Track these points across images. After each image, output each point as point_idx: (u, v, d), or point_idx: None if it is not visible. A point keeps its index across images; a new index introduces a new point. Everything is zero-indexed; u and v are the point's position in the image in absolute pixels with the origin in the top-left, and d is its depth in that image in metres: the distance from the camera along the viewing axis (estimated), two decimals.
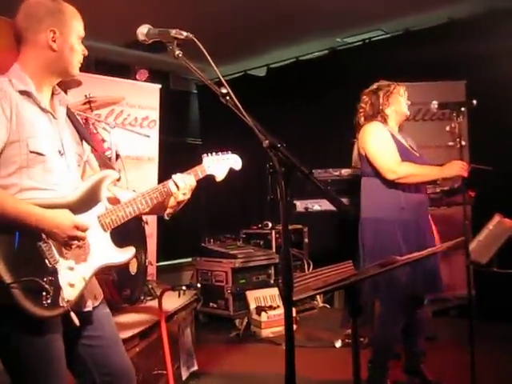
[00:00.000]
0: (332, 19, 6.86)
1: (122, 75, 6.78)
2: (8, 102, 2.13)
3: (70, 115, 2.44)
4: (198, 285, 6.25)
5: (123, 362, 2.42)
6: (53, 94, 2.37)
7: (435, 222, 4.15)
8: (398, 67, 6.59)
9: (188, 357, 4.49)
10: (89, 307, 2.30)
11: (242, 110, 1.91)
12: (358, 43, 7.75)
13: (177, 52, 2.10)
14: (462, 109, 3.87)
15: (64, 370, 2.21)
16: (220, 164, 2.65)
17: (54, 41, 2.25)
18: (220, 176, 2.64)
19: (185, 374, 4.36)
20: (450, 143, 3.92)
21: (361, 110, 3.96)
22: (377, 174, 3.78)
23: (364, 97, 3.98)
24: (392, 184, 3.74)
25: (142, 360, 3.71)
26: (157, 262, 6.64)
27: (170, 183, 2.46)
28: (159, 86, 6.97)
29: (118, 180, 2.48)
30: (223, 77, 1.96)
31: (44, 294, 2.04)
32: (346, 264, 2.36)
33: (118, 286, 4.26)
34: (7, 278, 1.99)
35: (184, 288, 4.11)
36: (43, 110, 2.26)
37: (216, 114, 5.20)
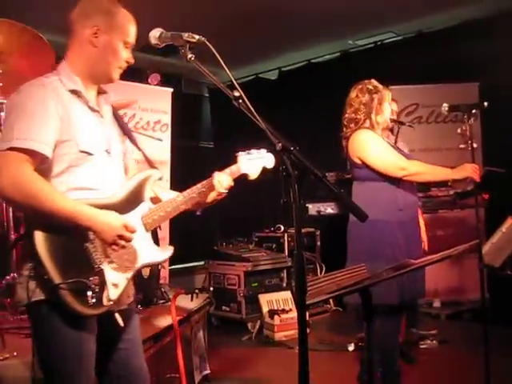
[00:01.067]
0: (343, 22, 6.86)
1: (134, 79, 6.79)
2: (60, 102, 2.17)
3: (115, 114, 2.50)
4: (211, 288, 6.26)
5: (142, 365, 2.46)
6: (98, 92, 2.41)
7: (447, 224, 4.14)
8: (410, 69, 6.59)
9: (200, 360, 4.49)
10: (124, 305, 2.35)
11: (254, 113, 1.90)
12: (369, 45, 7.74)
13: (189, 55, 2.10)
14: (474, 111, 3.84)
15: (92, 370, 2.25)
16: (254, 163, 2.64)
17: (96, 37, 2.27)
18: (253, 175, 2.64)
19: (197, 378, 4.35)
20: (462, 146, 3.90)
21: (352, 109, 3.86)
22: (372, 177, 3.72)
23: (358, 94, 3.88)
24: (387, 187, 3.70)
25: (155, 363, 3.71)
26: (169, 265, 6.64)
27: (214, 182, 2.48)
28: (171, 89, 6.98)
29: (161, 179, 2.51)
30: (235, 80, 1.96)
31: (90, 293, 2.11)
32: (359, 267, 2.35)
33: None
34: (56, 278, 2.05)
35: (197, 291, 4.11)
36: (91, 108, 2.30)
37: (228, 118, 5.21)
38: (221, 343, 5.75)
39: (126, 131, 2.53)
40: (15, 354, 2.88)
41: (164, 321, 4.15)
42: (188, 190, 2.46)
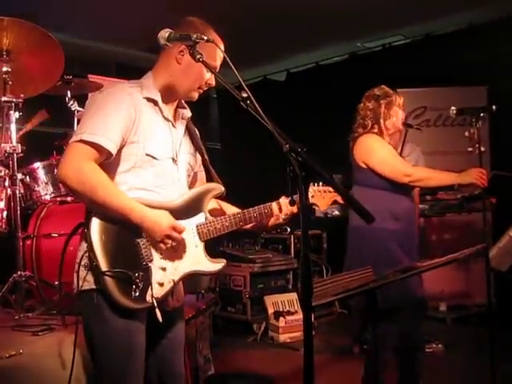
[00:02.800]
0: (352, 24, 6.86)
1: None
2: (134, 106, 2.29)
3: (190, 128, 2.60)
4: (216, 289, 6.26)
5: (180, 367, 2.59)
6: (177, 107, 2.52)
7: (454, 227, 4.12)
8: (419, 72, 6.59)
9: (205, 361, 4.49)
10: (169, 307, 2.41)
11: (262, 114, 1.91)
12: (378, 48, 7.73)
13: (197, 56, 2.12)
14: (481, 114, 3.83)
15: (141, 363, 2.33)
16: (325, 195, 2.70)
17: (182, 55, 2.36)
18: (323, 207, 2.71)
19: (202, 379, 4.35)
20: (470, 149, 3.89)
21: (360, 116, 3.86)
22: (372, 184, 3.71)
23: (366, 102, 3.88)
24: (386, 195, 3.69)
25: None
26: None
27: (273, 205, 2.56)
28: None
29: (223, 194, 2.57)
30: (243, 81, 1.97)
31: (134, 287, 2.21)
32: (366, 270, 2.35)
33: None
34: (103, 266, 2.18)
35: (202, 292, 4.12)
36: (165, 118, 2.41)
37: (235, 119, 5.21)
38: (226, 344, 5.74)
39: (197, 147, 2.63)
40: (21, 351, 2.89)
41: None
42: (249, 209, 2.54)
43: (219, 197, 2.58)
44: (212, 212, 2.53)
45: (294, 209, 2.56)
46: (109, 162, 2.26)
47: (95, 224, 2.20)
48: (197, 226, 2.41)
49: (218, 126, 9.89)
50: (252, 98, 1.95)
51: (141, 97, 2.34)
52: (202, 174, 2.70)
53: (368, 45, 7.81)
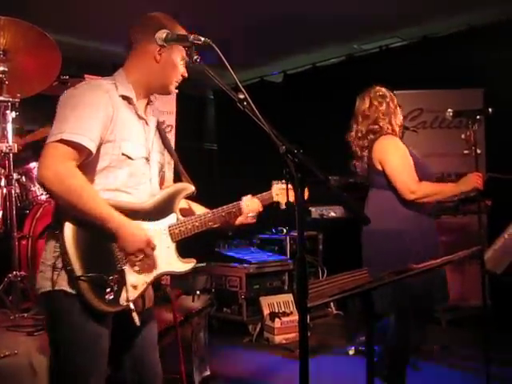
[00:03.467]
0: (349, 26, 6.86)
1: None
2: (111, 104, 2.26)
3: (159, 126, 2.59)
4: (212, 290, 6.26)
5: (157, 366, 2.55)
6: (147, 103, 2.51)
7: (450, 230, 4.12)
8: (415, 74, 6.59)
9: (200, 361, 4.49)
10: (140, 309, 2.39)
11: (258, 115, 1.91)
12: (374, 50, 7.74)
13: (195, 57, 2.13)
14: (478, 117, 3.84)
15: (104, 365, 2.30)
16: (288, 193, 2.71)
17: (160, 54, 2.37)
18: (286, 204, 2.69)
19: (197, 379, 4.35)
20: (466, 151, 3.90)
21: (370, 120, 3.85)
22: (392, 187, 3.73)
23: (374, 103, 3.88)
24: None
25: None
26: None
27: (242, 204, 2.60)
28: (176, 91, 6.98)
29: (193, 194, 2.57)
30: (240, 83, 1.97)
31: (108, 290, 2.18)
32: (362, 271, 2.35)
33: None
34: (77, 270, 2.15)
35: (198, 293, 4.12)
36: (139, 116, 2.40)
37: (232, 120, 5.21)
38: (221, 345, 5.74)
39: (166, 145, 2.63)
40: (16, 351, 2.89)
41: (165, 322, 4.15)
42: (218, 209, 2.55)
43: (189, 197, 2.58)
44: (181, 212, 2.52)
45: (261, 207, 2.65)
46: (86, 162, 2.22)
47: (68, 228, 2.17)
48: (169, 227, 2.41)
49: (214, 127, 9.88)
50: (249, 99, 1.95)
51: (116, 94, 2.32)
52: (169, 174, 2.70)
53: (365, 47, 7.81)
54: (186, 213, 2.56)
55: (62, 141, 2.12)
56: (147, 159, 2.41)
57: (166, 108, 6.83)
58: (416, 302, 3.62)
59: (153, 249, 2.28)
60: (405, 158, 3.71)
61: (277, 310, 6.23)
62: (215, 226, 2.57)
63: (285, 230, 7.18)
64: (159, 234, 2.37)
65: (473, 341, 4.48)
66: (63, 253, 2.15)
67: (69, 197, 2.11)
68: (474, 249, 3.03)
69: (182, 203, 2.56)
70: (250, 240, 7.46)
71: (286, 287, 6.72)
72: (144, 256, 2.26)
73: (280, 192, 2.74)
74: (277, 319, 6.01)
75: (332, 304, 6.93)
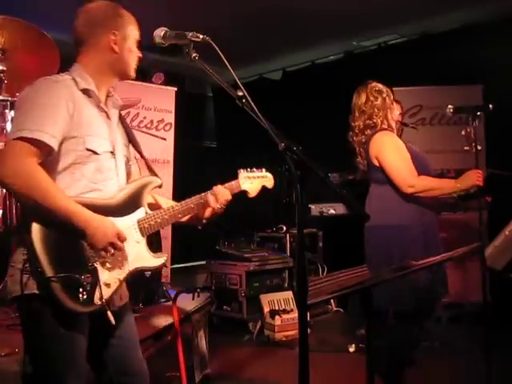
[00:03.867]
0: (347, 23, 6.86)
1: (138, 78, 6.79)
2: (72, 99, 2.22)
3: (121, 118, 2.54)
4: (212, 287, 6.26)
5: (140, 365, 2.50)
6: (107, 96, 2.45)
7: (450, 226, 4.12)
8: (414, 71, 6.59)
9: (201, 359, 4.49)
10: (115, 306, 2.35)
11: (257, 112, 1.91)
12: (373, 47, 7.73)
13: (193, 54, 2.12)
14: (478, 113, 3.84)
15: (83, 368, 2.27)
16: (254, 181, 2.75)
17: (115, 43, 2.35)
18: (253, 193, 2.75)
19: (198, 377, 4.35)
20: (466, 148, 3.89)
21: (367, 115, 3.86)
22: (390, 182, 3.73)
23: (370, 98, 3.88)
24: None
25: (156, 362, 3.71)
26: (171, 264, 6.64)
27: (208, 195, 2.56)
28: (175, 88, 6.98)
29: (160, 187, 2.54)
30: (239, 80, 1.97)
31: (81, 290, 2.13)
32: (361, 268, 2.35)
33: (133, 287, 4.26)
34: (48, 271, 2.08)
35: (198, 290, 4.12)
36: (101, 109, 2.35)
37: (231, 117, 5.21)
38: (221, 343, 5.74)
39: (130, 137, 2.58)
40: (17, 350, 2.89)
41: (165, 320, 4.16)
42: (186, 200, 2.52)
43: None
44: (148, 206, 2.47)
45: (228, 196, 2.61)
46: (49, 160, 2.17)
47: (36, 229, 2.10)
48: (138, 222, 2.37)
49: (213, 125, 9.87)
50: (248, 96, 1.95)
51: (76, 89, 2.27)
52: (135, 167, 2.62)
53: (364, 43, 7.81)
54: (153, 207, 2.50)
55: (22, 138, 2.07)
56: (112, 153, 2.37)
57: (166, 106, 6.82)
58: (420, 297, 3.62)
59: (123, 241, 2.23)
60: (401, 152, 3.72)
61: (277, 308, 6.24)
62: (185, 218, 2.53)
63: (284, 228, 7.18)
64: (128, 230, 2.32)
65: (473, 337, 4.47)
66: (32, 254, 2.09)
67: (32, 195, 2.06)
68: (475, 245, 3.04)
69: (148, 197, 2.51)
70: (250, 238, 7.45)
71: (286, 285, 6.72)
72: (115, 250, 2.21)
73: (246, 180, 2.71)
74: (277, 317, 6.01)
75: (332, 301, 6.93)
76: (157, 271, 4.85)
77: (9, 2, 4.12)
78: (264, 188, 2.77)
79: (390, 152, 3.71)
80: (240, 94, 1.96)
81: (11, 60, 3.84)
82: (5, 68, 3.82)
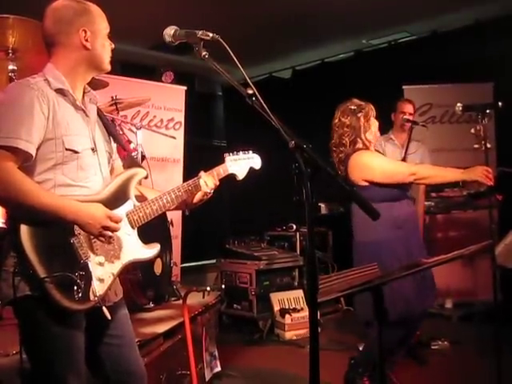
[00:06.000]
0: (357, 21, 6.85)
1: (148, 77, 6.82)
2: (46, 101, 2.20)
3: (100, 113, 2.52)
4: (222, 286, 6.26)
5: (137, 363, 2.50)
6: (84, 92, 2.43)
7: (460, 225, 4.11)
8: (424, 69, 6.57)
9: (211, 358, 4.50)
10: (110, 302, 2.35)
11: (267, 111, 1.91)
12: (383, 45, 7.72)
13: (203, 53, 2.11)
14: (488, 111, 3.82)
15: (82, 364, 2.27)
16: (241, 163, 2.75)
17: (87, 40, 2.32)
18: (241, 175, 2.74)
19: (208, 375, 4.36)
20: (476, 146, 3.88)
21: (337, 135, 3.87)
22: (373, 198, 3.71)
23: (341, 118, 3.88)
24: (387, 206, 3.68)
25: (166, 360, 3.72)
26: (181, 263, 6.66)
27: (199, 182, 2.54)
28: (185, 87, 7.00)
29: (146, 178, 2.54)
30: (249, 79, 1.97)
31: (75, 288, 2.13)
32: (371, 266, 2.34)
33: (143, 286, 4.28)
34: (41, 272, 2.08)
35: (208, 289, 4.13)
36: (77, 107, 2.33)
37: (241, 116, 5.21)
38: (231, 341, 5.75)
39: (110, 132, 2.56)
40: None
41: (175, 318, 4.16)
42: (174, 189, 2.50)
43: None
44: (135, 199, 2.45)
45: (217, 181, 2.60)
46: (30, 164, 2.16)
47: (24, 231, 2.09)
48: (127, 215, 2.37)
49: (223, 124, 9.89)
50: (258, 95, 1.95)
51: (50, 90, 2.24)
52: (117, 163, 2.60)
53: (373, 42, 7.80)
54: (140, 199, 2.48)
55: None
56: (93, 150, 2.35)
57: (175, 105, 6.84)
58: (404, 307, 3.62)
59: (117, 221, 2.24)
60: (386, 158, 3.77)
61: (287, 306, 6.24)
62: (173, 206, 2.52)
63: (294, 226, 7.18)
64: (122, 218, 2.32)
65: (483, 336, 4.46)
66: (22, 256, 2.08)
67: (16, 198, 2.06)
68: (485, 243, 3.02)
69: (135, 190, 2.50)
70: (260, 236, 7.45)
71: (296, 283, 6.70)
72: (112, 231, 2.21)
73: (233, 163, 2.70)
74: (287, 315, 6.01)
75: (342, 300, 6.92)
76: (167, 270, 4.86)
77: (19, 1, 4.13)
78: (252, 169, 2.76)
79: (376, 163, 3.74)
80: (250, 92, 1.96)
81: (22, 60, 3.86)
82: (15, 67, 3.83)
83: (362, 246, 3.79)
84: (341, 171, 3.86)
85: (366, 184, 3.74)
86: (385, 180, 3.69)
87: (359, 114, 3.80)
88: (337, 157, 3.87)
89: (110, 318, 2.22)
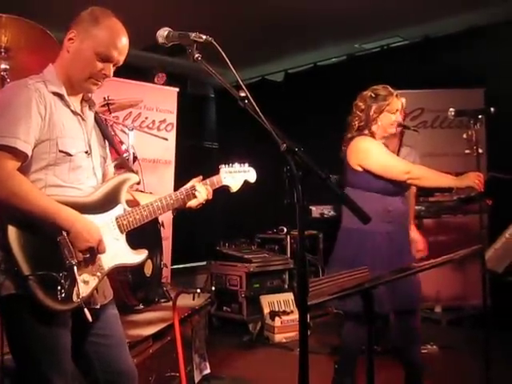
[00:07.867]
0: (350, 25, 6.87)
1: (141, 78, 6.81)
2: (43, 102, 2.21)
3: (98, 120, 2.52)
4: (213, 288, 6.26)
5: (127, 363, 2.48)
6: (83, 99, 2.43)
7: (450, 229, 4.12)
8: (416, 74, 6.60)
9: (201, 360, 4.49)
10: (97, 305, 2.35)
11: (260, 113, 1.91)
12: (376, 49, 7.74)
13: (196, 55, 2.11)
14: (480, 116, 3.84)
15: (68, 364, 2.28)
16: (236, 176, 2.73)
17: (72, 43, 2.30)
18: (235, 188, 2.72)
19: (197, 377, 4.36)
20: (467, 151, 3.89)
21: (356, 117, 3.84)
22: (365, 186, 3.71)
23: (360, 101, 3.83)
24: (379, 198, 3.68)
25: (155, 362, 3.72)
26: (171, 264, 6.65)
27: (192, 192, 2.54)
28: (177, 89, 7.00)
29: (138, 183, 2.56)
30: (241, 81, 1.97)
31: (59, 288, 2.13)
32: (362, 270, 2.35)
33: (133, 287, 4.28)
34: (25, 270, 2.09)
35: (198, 291, 4.12)
36: (73, 112, 2.33)
37: (233, 119, 5.23)
38: (221, 343, 5.75)
39: (107, 137, 2.57)
40: None
41: (165, 320, 4.16)
42: (166, 196, 2.50)
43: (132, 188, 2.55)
44: (127, 203, 2.45)
45: (211, 193, 2.58)
46: (24, 165, 2.17)
47: (11, 230, 2.10)
48: (116, 219, 2.36)
49: (215, 126, 9.89)
50: (250, 97, 1.95)
51: (47, 91, 2.25)
52: (111, 168, 2.62)
53: (366, 46, 7.82)
54: (132, 204, 2.48)
55: None
56: (87, 153, 2.35)
57: (168, 107, 6.84)
58: (401, 303, 3.62)
59: (102, 251, 2.24)
60: (387, 151, 3.74)
61: (277, 309, 6.24)
62: (164, 213, 2.52)
63: (285, 229, 7.18)
64: (107, 227, 2.32)
65: (472, 340, 4.47)
66: (8, 254, 2.09)
67: (12, 199, 2.07)
68: (475, 248, 3.03)
69: (127, 195, 2.49)
70: (250, 239, 7.45)
71: (286, 286, 6.71)
72: (92, 254, 2.22)
73: (228, 175, 2.69)
74: (277, 318, 6.02)
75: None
76: (157, 271, 4.86)
77: (12, 0, 4.12)
78: (247, 183, 2.75)
79: (375, 152, 3.71)
80: (242, 94, 1.96)
81: (14, 59, 3.84)
82: (8, 67, 3.81)
83: (347, 231, 3.74)
84: (343, 152, 3.87)
85: (361, 170, 3.73)
86: (378, 171, 3.67)
87: (373, 104, 3.76)
88: (345, 135, 3.88)
89: (90, 320, 2.20)
